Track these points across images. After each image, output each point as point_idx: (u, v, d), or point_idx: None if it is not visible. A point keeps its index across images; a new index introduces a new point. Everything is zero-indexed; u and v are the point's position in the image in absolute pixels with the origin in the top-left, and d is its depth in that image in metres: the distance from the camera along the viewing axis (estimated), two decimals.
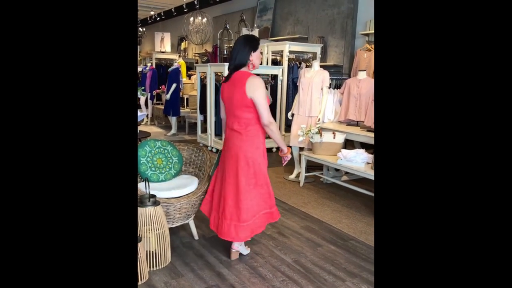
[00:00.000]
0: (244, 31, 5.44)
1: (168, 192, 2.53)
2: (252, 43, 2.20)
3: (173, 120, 7.04)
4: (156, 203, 2.27)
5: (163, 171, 2.74)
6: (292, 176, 4.36)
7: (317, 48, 5.98)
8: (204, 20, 7.95)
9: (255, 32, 5.48)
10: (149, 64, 8.65)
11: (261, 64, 2.73)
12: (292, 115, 4.34)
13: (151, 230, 2.23)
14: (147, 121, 8.06)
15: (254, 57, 2.20)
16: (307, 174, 4.15)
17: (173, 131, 7.07)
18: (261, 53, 2.26)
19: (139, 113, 4.34)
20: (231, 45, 6.97)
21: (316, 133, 3.84)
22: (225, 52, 6.58)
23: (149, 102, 8.07)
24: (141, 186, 2.55)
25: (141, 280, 2.09)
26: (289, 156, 2.41)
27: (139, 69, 8.88)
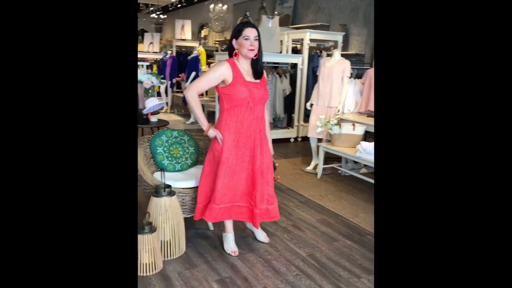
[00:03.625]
0: (264, 19, 5.35)
1: (184, 182, 2.54)
2: (234, 31, 2.13)
3: None
4: (171, 193, 2.28)
5: (179, 161, 2.74)
6: (310, 168, 4.31)
7: (338, 37, 5.84)
8: (225, 7, 7.87)
9: (275, 20, 5.38)
10: (169, 52, 8.67)
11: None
12: (311, 105, 4.27)
13: (166, 220, 2.24)
14: (167, 109, 8.11)
15: (238, 44, 2.11)
16: (325, 166, 4.09)
17: (191, 119, 7.10)
18: (246, 38, 2.05)
19: (158, 102, 4.37)
20: None
21: (335, 124, 3.76)
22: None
23: (169, 90, 8.11)
24: (157, 175, 2.56)
25: (155, 269, 2.11)
26: (212, 134, 2.14)
27: (160, 56, 8.91)
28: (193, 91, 2.11)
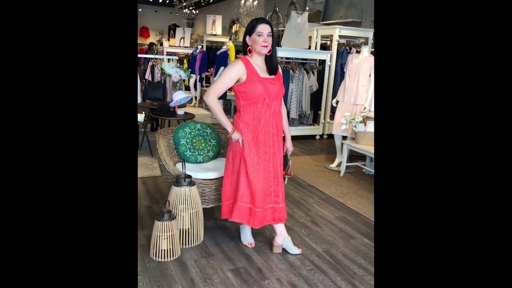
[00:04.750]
0: (293, 15, 5.32)
1: (204, 173, 2.60)
2: (247, 28, 2.11)
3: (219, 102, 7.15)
4: (191, 183, 2.34)
5: (201, 153, 2.80)
6: (333, 165, 4.27)
7: (369, 33, 5.72)
8: (255, 3, 7.89)
9: (304, 16, 5.34)
10: (199, 47, 8.80)
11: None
12: (337, 102, 4.23)
13: (185, 209, 2.31)
14: (195, 103, 8.26)
15: (251, 41, 2.09)
16: (348, 164, 4.04)
17: None
18: (259, 35, 2.03)
19: (185, 95, 4.47)
20: (280, 28, 6.88)
21: (360, 122, 3.71)
22: (275, 35, 6.50)
23: (198, 84, 8.25)
24: (179, 166, 2.64)
25: (173, 256, 2.18)
26: (235, 137, 2.13)
27: (190, 51, 9.07)
28: (212, 95, 2.09)
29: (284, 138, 2.33)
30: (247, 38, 2.11)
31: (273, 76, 2.16)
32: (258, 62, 2.13)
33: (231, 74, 2.08)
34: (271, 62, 2.14)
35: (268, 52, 2.10)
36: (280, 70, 2.24)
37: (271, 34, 2.07)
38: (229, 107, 8.01)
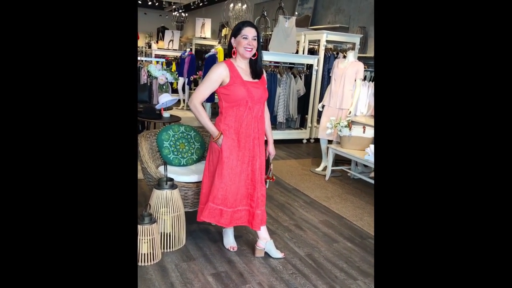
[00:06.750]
0: (281, 19, 5.35)
1: (188, 176, 2.58)
2: (233, 30, 2.10)
3: (207, 106, 7.12)
4: (173, 186, 2.32)
5: (185, 156, 2.78)
6: (319, 169, 4.28)
7: (356, 39, 5.78)
8: (244, 6, 7.90)
9: (292, 20, 5.37)
10: (188, 50, 8.77)
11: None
12: (323, 106, 4.25)
13: (167, 212, 2.28)
14: (183, 106, 8.21)
15: (236, 43, 2.08)
16: (334, 168, 4.06)
17: None
18: (244, 37, 2.04)
19: (171, 97, 4.44)
20: (268, 32, 6.90)
21: (345, 126, 3.73)
22: (261, 40, 6.52)
23: (186, 87, 8.21)
24: (161, 169, 2.61)
25: (153, 260, 2.16)
26: (219, 142, 2.13)
27: (178, 54, 9.04)
28: (195, 101, 2.09)
29: (266, 142, 2.33)
30: (233, 39, 2.10)
31: (256, 80, 2.15)
32: (242, 65, 2.12)
33: (213, 77, 2.08)
34: (255, 66, 2.13)
35: (253, 56, 2.10)
36: (264, 74, 2.23)
37: (256, 38, 2.07)
38: (217, 110, 7.98)
